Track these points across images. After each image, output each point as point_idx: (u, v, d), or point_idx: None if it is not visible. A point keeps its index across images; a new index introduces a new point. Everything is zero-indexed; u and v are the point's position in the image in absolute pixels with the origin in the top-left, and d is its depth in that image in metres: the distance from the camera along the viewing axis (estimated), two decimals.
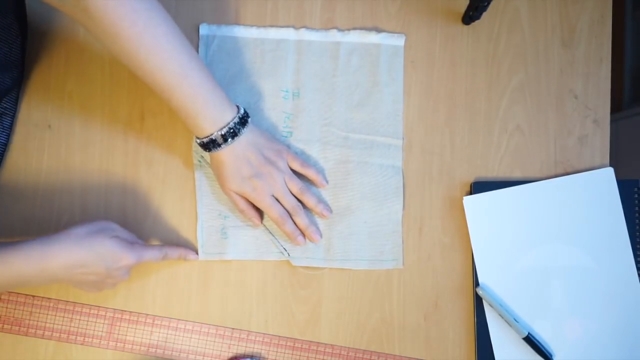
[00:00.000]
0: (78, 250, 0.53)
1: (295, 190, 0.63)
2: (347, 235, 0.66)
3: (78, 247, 0.53)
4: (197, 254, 0.64)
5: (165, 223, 0.65)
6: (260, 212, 0.64)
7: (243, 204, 0.62)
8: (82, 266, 0.53)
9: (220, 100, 0.57)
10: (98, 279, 0.56)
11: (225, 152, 0.58)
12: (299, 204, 0.63)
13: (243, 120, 0.59)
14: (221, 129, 0.57)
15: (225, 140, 0.57)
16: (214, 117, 0.57)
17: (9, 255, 0.51)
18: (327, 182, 0.65)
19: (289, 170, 0.63)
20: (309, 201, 0.63)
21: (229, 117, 0.57)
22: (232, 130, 0.57)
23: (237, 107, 0.59)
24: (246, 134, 0.59)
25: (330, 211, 0.65)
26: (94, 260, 0.54)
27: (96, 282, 0.56)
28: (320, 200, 0.65)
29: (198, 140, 0.58)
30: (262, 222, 0.64)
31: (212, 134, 0.57)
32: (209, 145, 0.58)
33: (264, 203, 0.61)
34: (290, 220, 0.63)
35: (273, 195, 0.61)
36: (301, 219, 0.63)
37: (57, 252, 0.52)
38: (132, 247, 0.57)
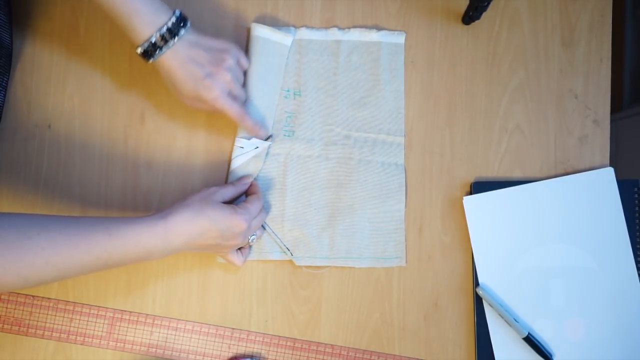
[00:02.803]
0: (197, 219, 0.55)
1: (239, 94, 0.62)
2: (351, 233, 0.66)
3: (197, 216, 0.55)
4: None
5: None
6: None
7: (209, 110, 0.61)
8: (201, 234, 0.55)
9: (156, 3, 0.56)
10: (215, 244, 0.56)
11: (170, 57, 0.56)
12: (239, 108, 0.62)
13: (181, 21, 0.57)
14: (159, 29, 0.55)
15: (166, 42, 0.55)
16: (151, 19, 0.55)
17: (136, 231, 0.52)
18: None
19: (241, 59, 0.62)
20: None
21: (165, 17, 0.56)
22: (170, 31, 0.55)
23: (174, 10, 0.57)
24: (187, 34, 0.57)
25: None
26: (209, 227, 0.55)
27: (213, 247, 0.57)
28: None
29: (140, 50, 0.56)
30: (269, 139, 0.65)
31: (150, 37, 0.55)
32: (150, 51, 0.56)
33: (221, 103, 0.59)
34: (249, 116, 0.62)
35: (230, 94, 0.60)
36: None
37: (180, 223, 0.54)
38: (238, 211, 0.57)
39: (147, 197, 0.66)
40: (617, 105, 1.30)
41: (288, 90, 0.67)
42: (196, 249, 0.57)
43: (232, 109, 0.60)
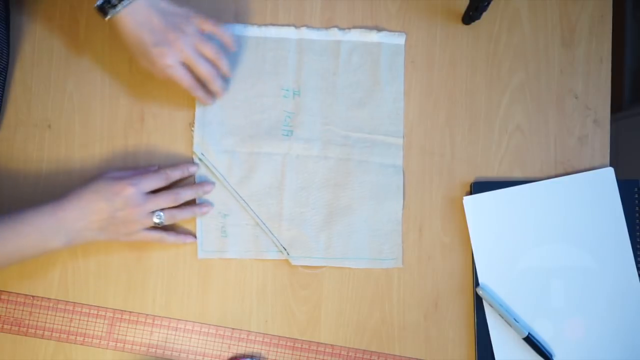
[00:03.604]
0: (83, 193, 0.55)
1: (210, 55, 0.60)
2: (347, 234, 0.66)
3: (83, 191, 0.56)
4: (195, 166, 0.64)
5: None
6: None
7: (184, 79, 0.59)
8: (90, 208, 0.55)
9: None
10: (110, 217, 0.56)
11: (126, 17, 0.55)
12: (215, 69, 0.61)
13: None
14: None
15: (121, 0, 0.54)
16: None
17: (27, 213, 0.54)
18: (235, 47, 0.62)
19: (200, 34, 0.59)
20: (224, 66, 0.61)
21: None
22: None
23: None
24: None
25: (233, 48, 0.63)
26: (95, 198, 0.55)
27: (116, 226, 0.57)
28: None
29: (96, 3, 0.54)
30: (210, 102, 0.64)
31: None
32: (106, 7, 0.54)
33: (172, 72, 0.58)
34: (201, 88, 0.61)
35: (185, 63, 0.58)
36: (218, 86, 0.62)
37: (68, 200, 0.55)
38: (126, 177, 0.57)
39: None
40: (617, 105, 1.30)
41: (287, 90, 0.67)
42: (96, 229, 0.56)
43: (183, 78, 0.59)
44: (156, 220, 0.59)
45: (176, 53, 0.57)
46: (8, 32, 0.66)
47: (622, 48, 1.30)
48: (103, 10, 0.55)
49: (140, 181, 0.57)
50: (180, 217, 0.62)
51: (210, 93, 0.63)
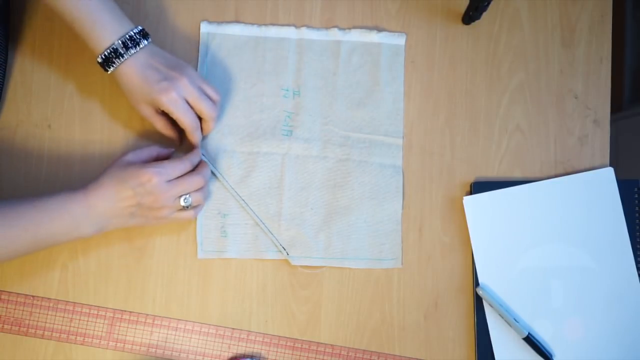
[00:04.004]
0: (109, 182, 0.56)
1: (212, 95, 0.61)
2: (347, 234, 0.66)
3: (109, 179, 0.57)
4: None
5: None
6: (180, 134, 0.63)
7: (160, 123, 0.61)
8: (117, 197, 0.56)
9: (118, 13, 0.58)
10: (136, 204, 0.56)
11: (130, 63, 0.57)
12: (215, 109, 0.62)
13: (143, 33, 0.58)
14: (122, 36, 0.56)
15: (127, 49, 0.57)
16: (113, 27, 0.56)
17: (58, 199, 0.55)
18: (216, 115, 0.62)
19: (200, 75, 0.62)
20: (218, 110, 0.63)
21: (127, 27, 0.57)
22: (133, 39, 0.57)
23: (137, 25, 0.59)
24: (148, 45, 0.58)
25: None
26: (121, 187, 0.56)
27: (145, 212, 0.58)
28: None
29: (101, 57, 0.57)
30: (181, 143, 0.64)
31: (113, 43, 0.56)
32: (112, 58, 0.57)
33: (177, 106, 0.58)
34: (199, 130, 0.62)
35: (187, 100, 0.59)
36: (210, 127, 0.63)
37: (97, 188, 0.56)
38: (147, 166, 0.57)
39: None
40: (617, 105, 1.30)
41: (287, 90, 0.67)
42: (127, 216, 0.57)
43: (186, 115, 0.59)
44: (183, 203, 0.59)
45: (182, 88, 0.58)
46: (7, 32, 0.66)
47: (622, 48, 1.30)
48: (108, 61, 0.57)
49: (165, 169, 0.57)
50: (204, 195, 0.62)
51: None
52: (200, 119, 0.61)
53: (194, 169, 0.61)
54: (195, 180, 0.59)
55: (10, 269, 0.64)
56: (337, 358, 0.65)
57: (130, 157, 0.59)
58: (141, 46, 0.58)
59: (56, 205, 0.55)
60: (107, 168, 0.58)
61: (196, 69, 0.67)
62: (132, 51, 0.57)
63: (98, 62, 0.58)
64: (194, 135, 0.61)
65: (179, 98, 0.58)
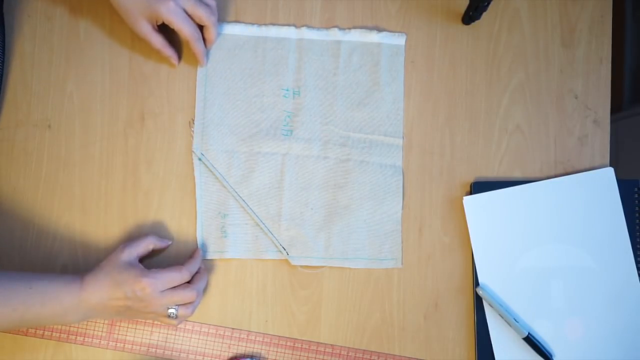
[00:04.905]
0: (104, 281, 0.56)
1: (210, 2, 0.62)
2: (347, 234, 0.66)
3: (105, 278, 0.57)
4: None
5: (165, 223, 0.65)
6: (178, 53, 0.64)
7: (158, 40, 0.62)
8: (109, 296, 0.56)
9: None
10: (125, 306, 0.57)
11: None
12: (214, 15, 0.62)
13: None
14: None
15: None
16: None
17: (55, 285, 0.55)
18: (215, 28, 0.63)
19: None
20: (216, 19, 0.63)
21: None
22: None
23: None
24: None
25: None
26: (114, 289, 0.56)
27: (133, 313, 0.58)
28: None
29: None
30: (179, 62, 0.65)
31: None
32: None
33: (177, 15, 0.59)
34: (201, 40, 0.62)
35: (185, 10, 0.60)
36: (214, 33, 0.63)
37: (92, 283, 0.56)
38: (145, 274, 0.57)
39: (147, 197, 0.66)
40: (617, 105, 1.30)
41: (287, 90, 0.67)
42: (114, 313, 0.58)
43: (185, 24, 0.60)
44: (170, 313, 0.59)
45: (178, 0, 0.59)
46: (3, 32, 0.66)
47: (622, 48, 1.30)
48: None
49: (161, 280, 0.57)
50: (193, 308, 0.61)
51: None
52: (201, 30, 0.62)
53: (193, 277, 0.61)
54: (188, 295, 0.59)
55: (9, 267, 0.64)
56: (337, 358, 0.65)
57: (126, 256, 0.58)
58: None
59: (51, 290, 0.55)
60: (105, 262, 0.58)
61: (196, 69, 0.67)
62: None
63: None
64: (196, 46, 0.62)
65: (177, 7, 0.59)
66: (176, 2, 0.59)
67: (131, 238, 0.64)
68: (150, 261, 0.64)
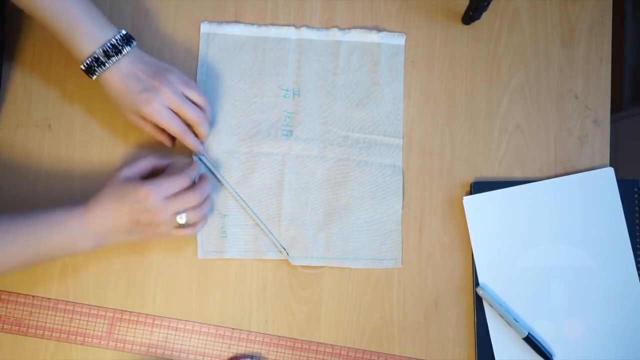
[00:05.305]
0: (107, 199, 0.56)
1: (196, 99, 0.61)
2: (347, 234, 0.66)
3: (106, 196, 0.57)
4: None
5: None
6: (172, 137, 0.63)
7: (149, 128, 0.61)
8: (115, 213, 0.56)
9: (100, 19, 0.57)
10: (134, 221, 0.56)
11: (112, 73, 0.57)
12: (202, 113, 0.61)
13: (126, 39, 0.57)
14: (103, 45, 0.56)
15: (109, 58, 0.56)
16: (94, 35, 0.56)
17: (59, 213, 0.56)
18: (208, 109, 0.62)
19: (184, 79, 0.60)
20: (208, 111, 0.62)
21: (109, 34, 0.57)
22: (114, 47, 0.56)
23: (120, 29, 0.58)
24: (131, 53, 0.57)
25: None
26: (118, 205, 0.56)
27: (143, 229, 0.57)
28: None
29: (83, 66, 0.57)
30: (173, 144, 0.64)
31: (94, 52, 0.56)
32: (93, 67, 0.56)
33: (161, 116, 0.58)
34: (191, 133, 0.61)
35: (170, 109, 0.59)
36: (204, 129, 0.62)
37: (95, 205, 0.56)
38: (144, 183, 0.56)
39: None
40: (617, 105, 1.30)
41: (287, 90, 0.67)
42: (125, 233, 0.57)
43: (171, 123, 0.59)
44: (180, 221, 0.58)
45: (163, 98, 0.58)
46: (4, 32, 0.66)
47: (622, 48, 1.30)
48: (91, 70, 0.57)
49: (162, 186, 0.57)
50: (203, 213, 0.61)
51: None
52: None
53: (195, 183, 0.61)
54: (191, 197, 0.58)
55: None
56: (337, 358, 0.65)
57: (126, 172, 0.58)
58: (123, 53, 0.57)
59: (56, 220, 0.55)
60: (106, 184, 0.58)
61: (196, 69, 0.67)
62: (114, 59, 0.56)
63: (82, 69, 0.57)
64: (186, 140, 0.61)
65: (162, 107, 0.58)
66: (160, 103, 0.58)
67: None
68: None
